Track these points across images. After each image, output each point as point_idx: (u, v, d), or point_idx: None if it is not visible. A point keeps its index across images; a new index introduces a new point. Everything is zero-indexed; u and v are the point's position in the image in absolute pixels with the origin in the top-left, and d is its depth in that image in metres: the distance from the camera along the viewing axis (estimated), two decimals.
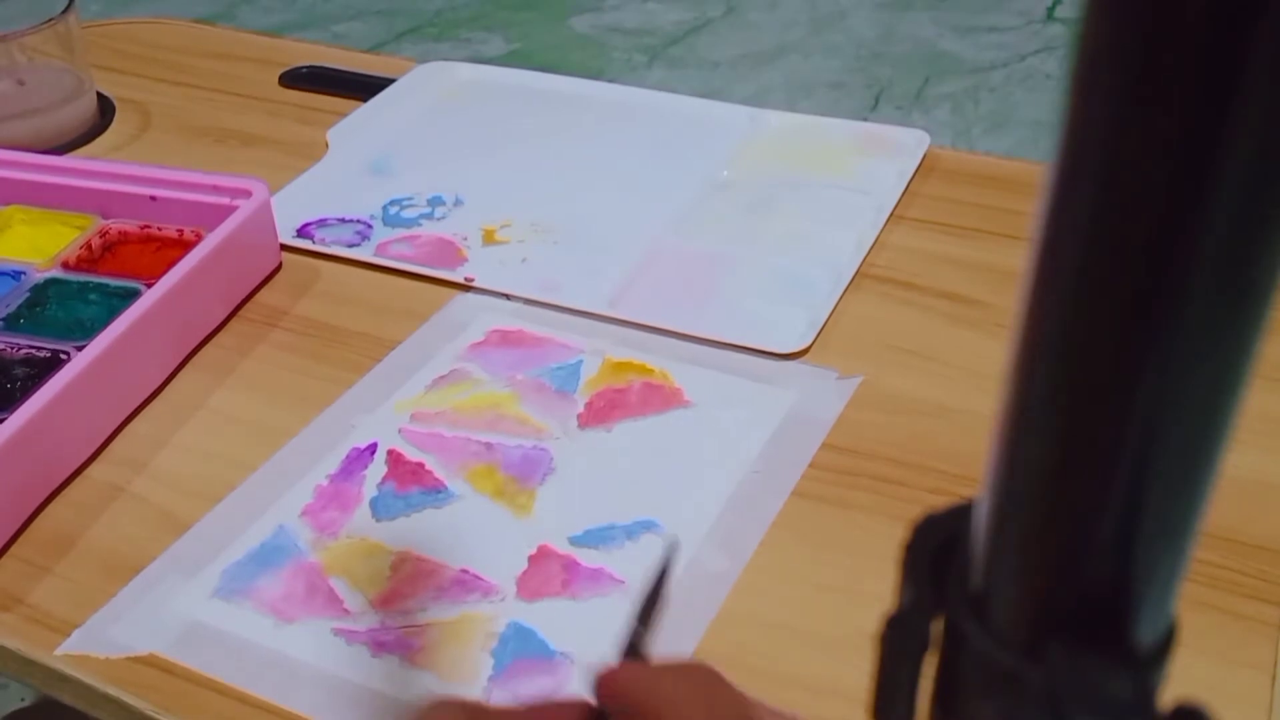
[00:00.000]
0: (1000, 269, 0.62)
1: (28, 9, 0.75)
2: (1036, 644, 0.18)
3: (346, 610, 0.45)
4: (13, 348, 0.55)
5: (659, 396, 0.55)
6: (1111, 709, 0.17)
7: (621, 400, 0.55)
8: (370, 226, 0.68)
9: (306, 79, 0.83)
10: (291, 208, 0.69)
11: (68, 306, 0.58)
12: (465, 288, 0.62)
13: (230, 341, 0.60)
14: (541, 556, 0.47)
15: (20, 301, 0.59)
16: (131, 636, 0.45)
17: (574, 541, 0.48)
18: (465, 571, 0.47)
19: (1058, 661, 0.17)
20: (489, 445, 0.53)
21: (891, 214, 0.66)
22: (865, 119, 0.75)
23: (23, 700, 1.13)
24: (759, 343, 0.57)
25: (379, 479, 0.51)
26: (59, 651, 0.44)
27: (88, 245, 0.62)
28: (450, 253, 0.65)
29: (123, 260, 0.63)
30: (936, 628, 0.20)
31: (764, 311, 0.59)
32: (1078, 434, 0.16)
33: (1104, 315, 0.15)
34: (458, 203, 0.70)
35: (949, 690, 0.20)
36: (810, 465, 0.51)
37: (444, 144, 0.76)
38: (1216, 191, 0.14)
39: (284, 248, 0.66)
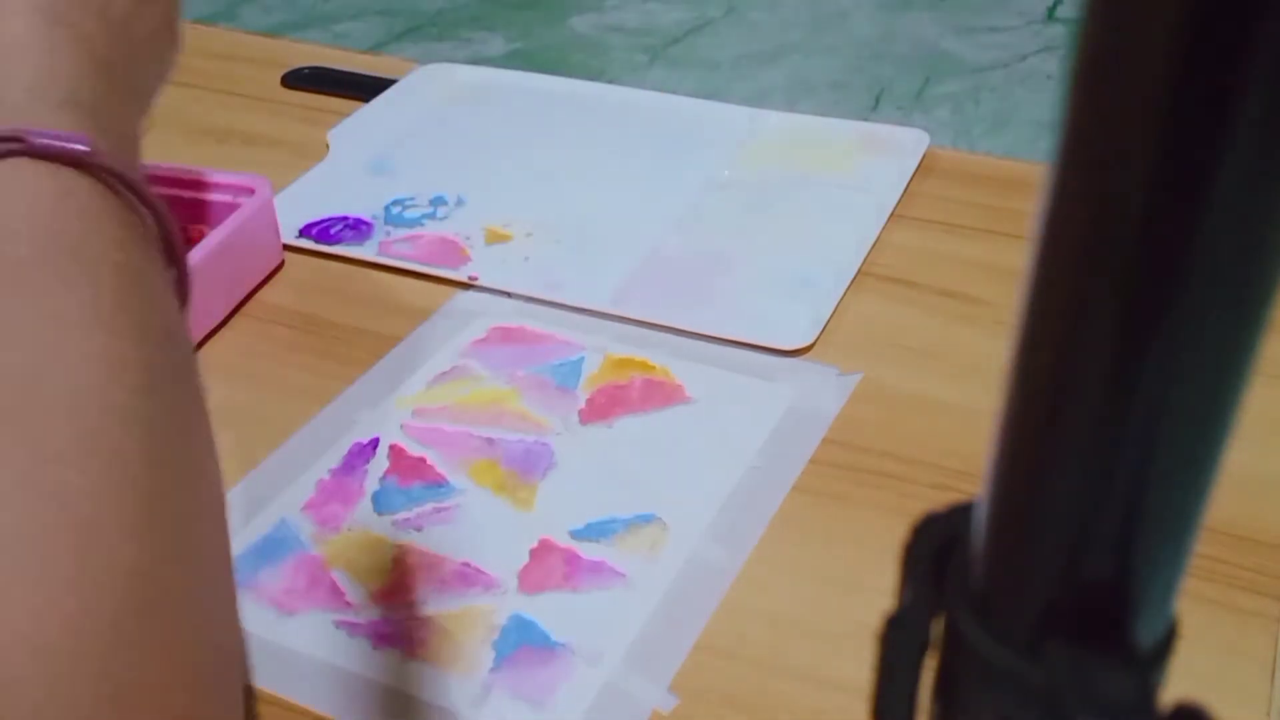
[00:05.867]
0: (1000, 267, 0.63)
1: None
2: (1037, 644, 0.18)
3: (348, 603, 0.46)
4: None
5: (660, 393, 0.55)
6: (1112, 708, 0.17)
7: (622, 396, 0.55)
8: (372, 226, 0.68)
9: (308, 79, 0.84)
10: (293, 208, 0.69)
11: None
12: (467, 286, 0.63)
13: (233, 338, 0.60)
14: (543, 550, 0.47)
15: None
16: None
17: (575, 535, 0.48)
18: (467, 565, 0.47)
19: (1058, 661, 0.17)
20: (490, 440, 0.53)
21: (892, 213, 0.67)
22: (866, 119, 0.75)
23: None
24: (761, 340, 0.57)
25: (381, 473, 0.51)
26: None
27: None
28: (453, 252, 0.66)
29: None
30: (937, 627, 0.20)
31: (766, 309, 0.60)
32: (1077, 432, 0.16)
33: (1103, 313, 0.15)
34: (459, 203, 0.70)
35: (949, 690, 0.20)
36: (810, 460, 0.51)
37: (445, 145, 0.76)
38: (1218, 187, 0.14)
39: (286, 247, 0.66)
